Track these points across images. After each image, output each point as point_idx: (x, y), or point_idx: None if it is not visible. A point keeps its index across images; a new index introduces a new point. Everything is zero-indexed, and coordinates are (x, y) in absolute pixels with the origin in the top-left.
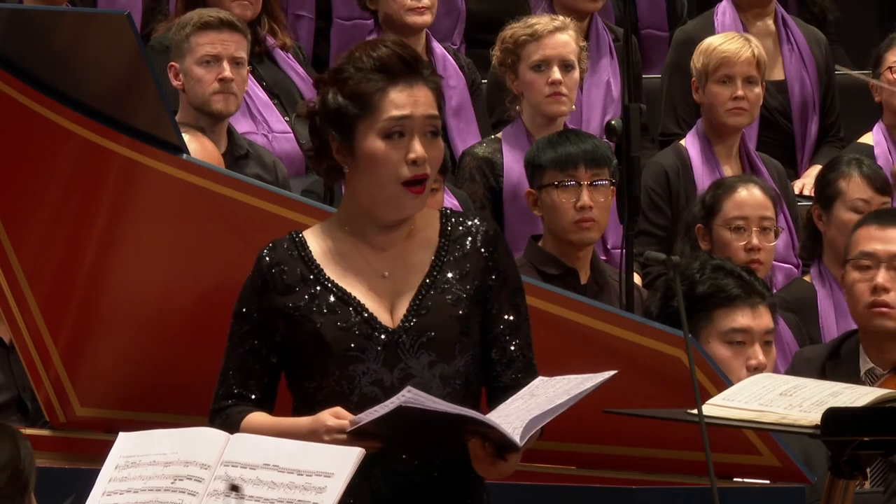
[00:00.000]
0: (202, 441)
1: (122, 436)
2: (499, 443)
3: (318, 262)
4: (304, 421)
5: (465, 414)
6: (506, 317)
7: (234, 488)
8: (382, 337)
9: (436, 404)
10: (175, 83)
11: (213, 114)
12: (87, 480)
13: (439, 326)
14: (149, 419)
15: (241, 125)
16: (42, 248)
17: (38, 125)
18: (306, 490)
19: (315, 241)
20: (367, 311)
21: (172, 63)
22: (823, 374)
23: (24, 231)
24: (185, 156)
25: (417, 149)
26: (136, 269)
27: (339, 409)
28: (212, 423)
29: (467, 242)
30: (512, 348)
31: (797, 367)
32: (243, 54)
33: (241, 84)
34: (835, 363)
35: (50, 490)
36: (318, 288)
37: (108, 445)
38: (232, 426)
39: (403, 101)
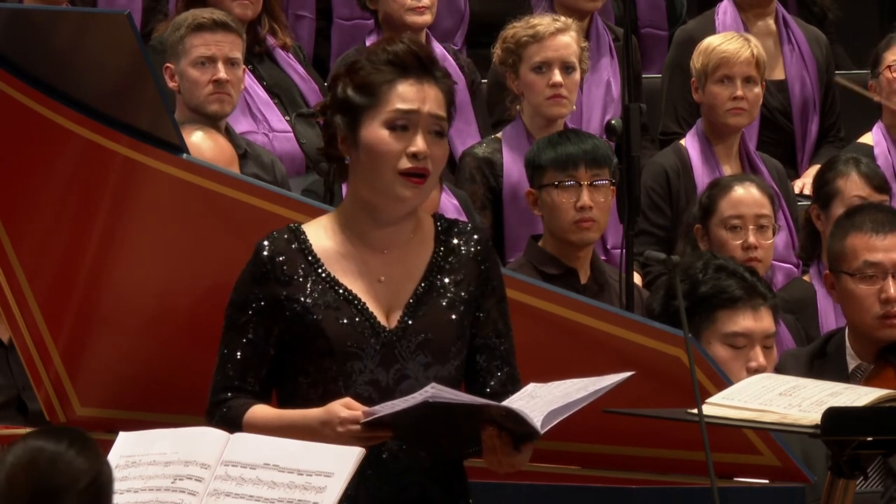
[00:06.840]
0: (202, 441)
1: (122, 436)
2: (515, 433)
3: (318, 256)
4: (314, 412)
5: (490, 403)
6: (494, 324)
7: None
8: (381, 337)
9: (459, 396)
10: (171, 84)
11: (209, 115)
12: None
13: (435, 330)
14: (149, 419)
15: (242, 124)
16: (42, 247)
17: (39, 125)
18: (306, 490)
19: (315, 236)
20: (367, 310)
21: (168, 64)
22: (811, 372)
23: (24, 231)
24: (185, 156)
25: (419, 143)
26: (137, 268)
27: (349, 400)
28: (210, 417)
29: (462, 249)
30: (500, 354)
31: (784, 366)
32: (238, 54)
33: (236, 84)
34: (822, 362)
35: None
36: (320, 282)
37: (108, 445)
38: (234, 419)
39: (412, 95)
